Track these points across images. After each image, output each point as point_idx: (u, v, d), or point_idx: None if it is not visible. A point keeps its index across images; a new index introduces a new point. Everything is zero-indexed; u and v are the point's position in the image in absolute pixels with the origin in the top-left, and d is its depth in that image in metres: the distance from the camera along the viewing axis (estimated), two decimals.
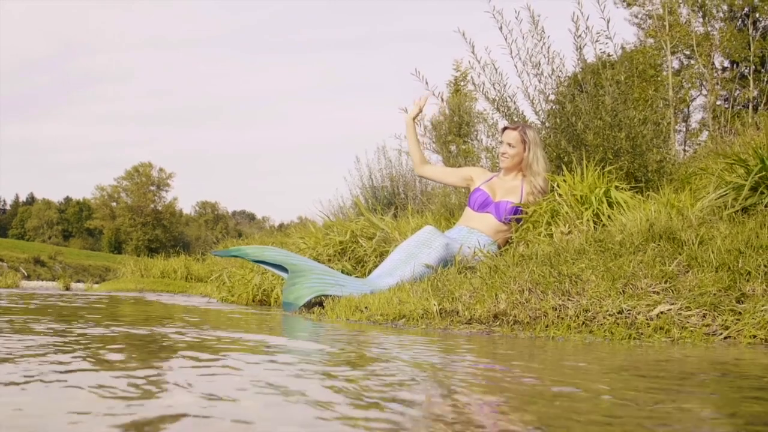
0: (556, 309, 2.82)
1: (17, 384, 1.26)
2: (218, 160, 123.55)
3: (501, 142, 4.59)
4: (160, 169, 78.86)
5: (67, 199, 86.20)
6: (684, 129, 13.71)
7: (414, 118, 4.86)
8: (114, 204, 78.78)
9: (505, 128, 4.57)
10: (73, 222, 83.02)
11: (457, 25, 4.99)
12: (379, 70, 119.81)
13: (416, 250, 4.17)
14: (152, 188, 78.18)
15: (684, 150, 11.64)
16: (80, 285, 16.37)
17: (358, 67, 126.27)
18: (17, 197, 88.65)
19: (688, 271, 2.81)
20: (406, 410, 1.14)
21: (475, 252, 4.19)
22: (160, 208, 77.80)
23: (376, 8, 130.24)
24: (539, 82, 4.95)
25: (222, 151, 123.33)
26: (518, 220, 4.34)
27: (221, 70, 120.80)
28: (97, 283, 17.68)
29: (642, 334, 2.52)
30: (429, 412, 1.16)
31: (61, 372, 1.42)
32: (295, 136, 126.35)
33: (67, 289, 12.66)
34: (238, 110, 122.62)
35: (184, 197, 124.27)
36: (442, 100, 5.38)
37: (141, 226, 75.76)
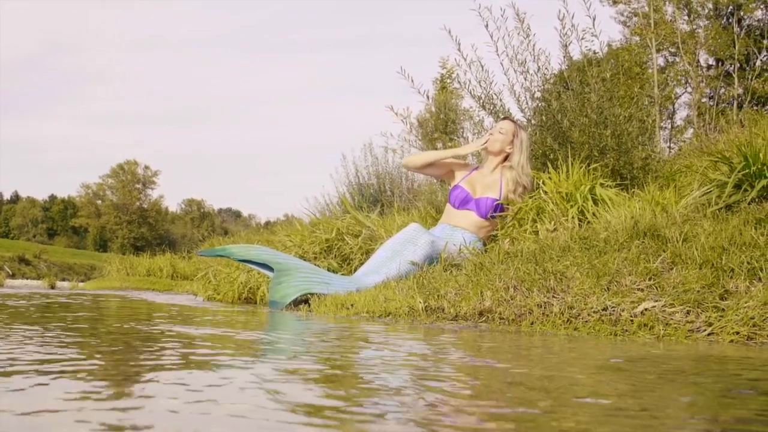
0: (541, 306, 2.83)
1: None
2: (217, 161, 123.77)
3: (494, 125, 4.66)
4: (146, 167, 78.59)
5: (52, 197, 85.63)
6: (669, 126, 13.79)
7: (467, 154, 4.81)
8: (99, 202, 78.40)
9: (505, 117, 4.63)
10: (58, 220, 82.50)
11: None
12: (380, 70, 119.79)
13: (402, 248, 4.17)
14: (138, 186, 77.86)
15: (669, 147, 11.70)
16: (65, 283, 16.25)
17: (358, 67, 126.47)
18: (1, 195, 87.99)
19: (672, 269, 2.82)
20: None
21: (460, 249, 4.19)
22: (145, 206, 77.49)
23: (376, 8, 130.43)
24: (525, 79, 4.97)
25: (221, 151, 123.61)
26: (502, 216, 4.35)
27: (221, 70, 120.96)
28: (82, 281, 17.57)
29: (626, 331, 2.53)
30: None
31: (39, 374, 1.40)
32: (295, 136, 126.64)
33: (53, 287, 12.58)
34: (238, 110, 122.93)
35: (177, 197, 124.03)
36: (428, 97, 5.37)
37: (126, 224, 75.45)
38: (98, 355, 1.75)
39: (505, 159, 4.52)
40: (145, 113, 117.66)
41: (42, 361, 1.56)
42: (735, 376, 1.59)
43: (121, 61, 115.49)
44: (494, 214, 4.36)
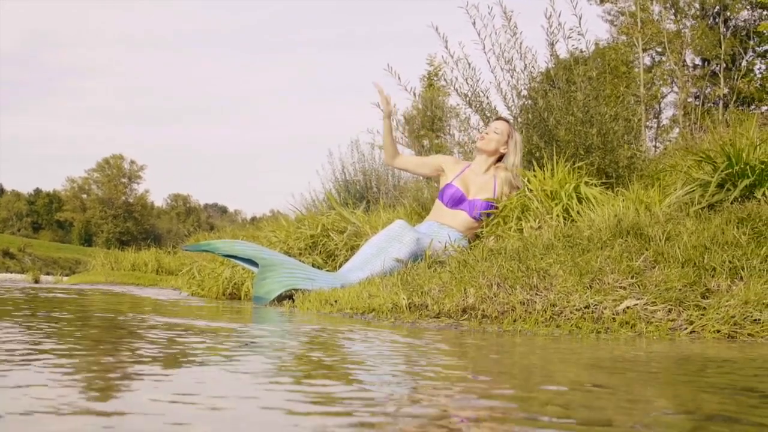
0: (524, 303, 2.83)
1: None
2: (216, 160, 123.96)
3: (487, 125, 4.64)
4: (132, 161, 78.21)
5: (37, 191, 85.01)
6: (655, 125, 13.86)
7: (388, 115, 4.80)
8: (85, 196, 77.94)
9: (498, 118, 4.63)
10: (42, 214, 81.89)
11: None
12: (379, 70, 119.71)
13: (387, 245, 4.17)
14: (123, 180, 77.48)
15: (655, 146, 11.77)
16: (49, 277, 16.16)
17: (358, 67, 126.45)
18: None
19: (654, 267, 2.84)
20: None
21: (445, 247, 4.19)
22: (131, 201, 77.13)
23: (376, 8, 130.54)
24: (512, 77, 4.97)
25: (220, 151, 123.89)
26: (489, 215, 4.35)
27: (221, 70, 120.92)
28: (66, 275, 17.48)
29: (608, 328, 2.54)
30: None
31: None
32: (294, 136, 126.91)
33: (36, 281, 12.49)
34: (238, 110, 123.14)
35: (167, 193, 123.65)
36: (415, 94, 5.37)
37: (112, 219, 75.05)
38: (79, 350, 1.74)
39: (498, 159, 4.52)
40: (144, 112, 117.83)
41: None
42: (715, 374, 1.60)
43: (121, 60, 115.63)
44: (480, 211, 4.37)
